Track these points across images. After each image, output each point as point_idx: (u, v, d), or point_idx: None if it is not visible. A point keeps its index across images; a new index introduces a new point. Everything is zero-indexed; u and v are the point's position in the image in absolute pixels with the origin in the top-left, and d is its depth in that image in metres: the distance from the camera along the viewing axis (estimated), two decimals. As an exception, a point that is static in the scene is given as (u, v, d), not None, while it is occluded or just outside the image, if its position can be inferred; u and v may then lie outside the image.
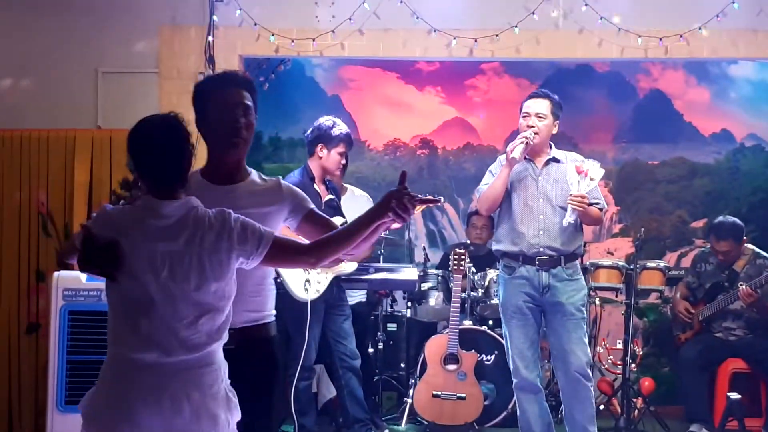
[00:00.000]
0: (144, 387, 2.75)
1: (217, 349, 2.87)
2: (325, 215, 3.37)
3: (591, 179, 5.13)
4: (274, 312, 3.28)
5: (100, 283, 4.94)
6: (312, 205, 3.30)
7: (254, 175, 3.28)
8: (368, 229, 2.92)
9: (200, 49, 6.35)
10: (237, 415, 2.90)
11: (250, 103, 3.22)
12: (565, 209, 5.18)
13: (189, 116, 6.25)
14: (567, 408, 5.27)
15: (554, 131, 5.36)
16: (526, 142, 5.16)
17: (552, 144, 5.40)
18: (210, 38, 6.33)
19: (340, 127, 5.57)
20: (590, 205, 5.16)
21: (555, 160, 5.34)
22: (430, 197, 3.03)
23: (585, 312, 5.34)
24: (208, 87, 3.28)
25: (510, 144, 5.23)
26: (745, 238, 6.43)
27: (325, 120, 5.61)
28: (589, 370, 5.24)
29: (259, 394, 3.18)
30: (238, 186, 3.22)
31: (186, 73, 6.40)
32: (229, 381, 2.91)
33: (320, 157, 5.53)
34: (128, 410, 2.73)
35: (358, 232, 2.92)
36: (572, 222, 5.16)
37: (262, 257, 2.88)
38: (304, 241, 3.14)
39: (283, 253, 2.93)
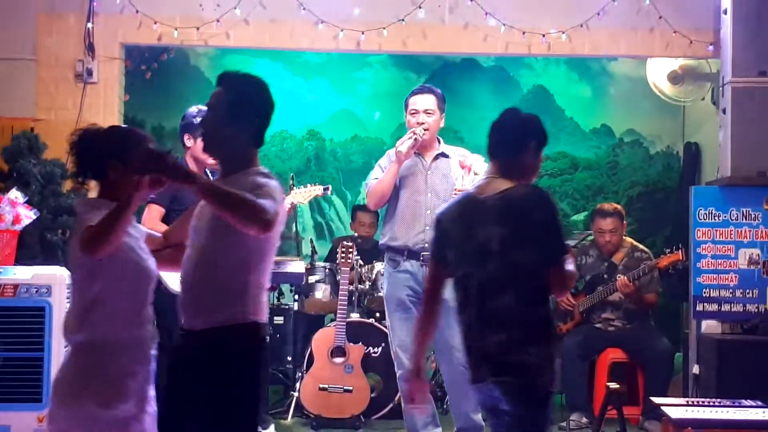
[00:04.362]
0: None
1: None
2: None
3: (475, 173, 5.19)
4: (253, 316, 3.10)
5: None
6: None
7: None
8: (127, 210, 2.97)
9: (79, 36, 6.17)
10: None
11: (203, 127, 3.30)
12: None
13: (67, 103, 6.15)
14: (452, 398, 5.33)
15: (441, 125, 5.39)
16: (415, 138, 5.17)
17: (440, 139, 5.43)
18: (90, 25, 6.15)
19: None
20: None
21: (443, 155, 5.37)
22: None
23: None
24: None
25: (399, 140, 5.25)
26: (624, 222, 6.60)
27: (192, 109, 5.45)
28: None
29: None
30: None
31: (64, 60, 6.22)
32: None
33: (188, 147, 5.40)
34: None
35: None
36: None
37: None
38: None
39: None
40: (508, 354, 3.17)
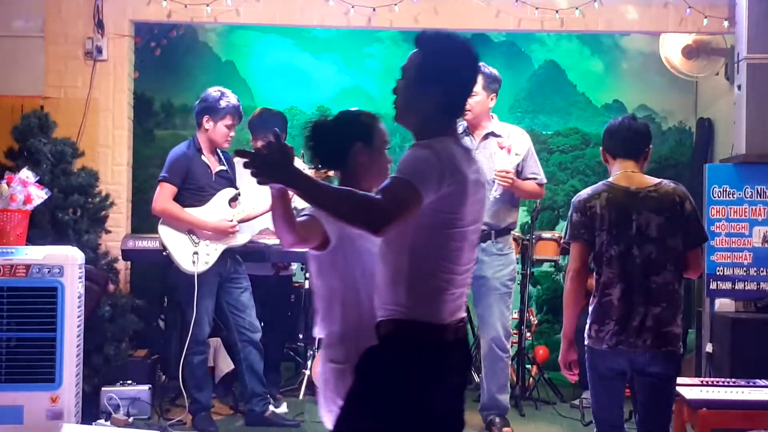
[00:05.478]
0: None
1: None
2: None
3: (516, 154, 5.21)
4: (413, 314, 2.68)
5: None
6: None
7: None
8: (278, 204, 2.76)
9: (89, 13, 6.13)
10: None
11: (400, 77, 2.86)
12: None
13: (77, 81, 6.11)
14: (484, 373, 5.43)
15: (490, 105, 5.38)
16: None
17: (494, 116, 5.41)
18: (99, 2, 6.10)
19: (228, 99, 5.42)
20: (527, 179, 5.28)
21: (494, 134, 5.36)
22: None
23: (512, 285, 5.44)
24: None
25: None
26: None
27: (213, 91, 5.46)
28: (506, 342, 5.36)
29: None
30: None
31: (74, 37, 6.18)
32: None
33: (206, 129, 5.41)
34: None
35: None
36: (497, 197, 5.22)
37: None
38: None
39: None
40: (664, 326, 3.80)
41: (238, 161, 5.85)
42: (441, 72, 2.76)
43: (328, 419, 2.99)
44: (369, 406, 2.66)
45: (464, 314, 2.79)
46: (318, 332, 3.06)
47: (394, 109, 2.84)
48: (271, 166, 2.47)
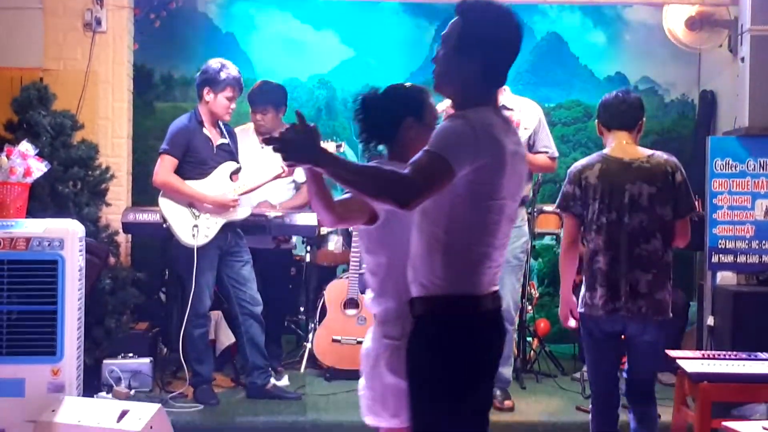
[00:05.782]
0: None
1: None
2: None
3: (525, 129, 5.17)
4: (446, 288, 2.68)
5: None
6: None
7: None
8: (311, 184, 2.75)
9: (88, -16, 6.08)
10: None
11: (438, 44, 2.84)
12: None
13: (76, 53, 6.07)
14: None
15: None
16: None
17: (507, 89, 5.37)
18: (97, -27, 6.06)
19: (229, 71, 5.40)
20: (538, 152, 5.24)
21: (504, 107, 5.31)
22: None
23: (524, 258, 5.43)
24: None
25: None
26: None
27: (214, 63, 5.44)
28: (514, 315, 5.37)
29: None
30: None
31: (73, 9, 6.14)
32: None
33: (207, 102, 5.39)
34: None
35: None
36: None
37: None
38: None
39: None
40: (655, 293, 3.96)
41: (240, 133, 5.83)
42: (481, 40, 2.72)
43: (367, 397, 3.02)
44: (426, 388, 2.67)
45: (498, 286, 2.79)
46: (372, 309, 3.05)
47: (433, 78, 2.81)
48: (297, 148, 2.49)
